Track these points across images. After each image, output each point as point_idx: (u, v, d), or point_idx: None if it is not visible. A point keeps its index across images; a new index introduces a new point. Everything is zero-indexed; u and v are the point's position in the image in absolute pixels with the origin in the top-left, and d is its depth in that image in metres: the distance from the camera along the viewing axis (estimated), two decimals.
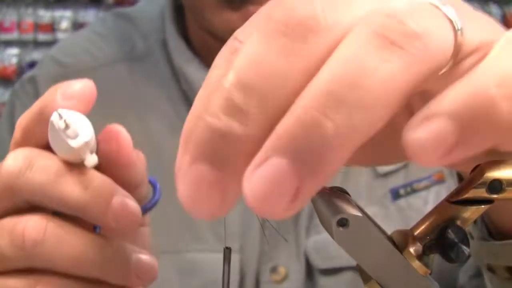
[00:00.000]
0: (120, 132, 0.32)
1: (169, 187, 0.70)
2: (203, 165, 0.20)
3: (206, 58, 0.67)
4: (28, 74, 0.72)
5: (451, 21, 0.22)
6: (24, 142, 0.33)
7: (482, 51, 0.23)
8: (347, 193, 0.28)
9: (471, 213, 0.25)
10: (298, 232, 0.64)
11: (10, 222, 0.31)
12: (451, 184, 0.67)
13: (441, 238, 0.25)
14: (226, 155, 0.20)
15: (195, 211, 0.20)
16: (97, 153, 0.31)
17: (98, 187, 0.30)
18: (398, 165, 0.66)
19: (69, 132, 0.29)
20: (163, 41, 0.69)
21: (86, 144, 0.30)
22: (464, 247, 0.24)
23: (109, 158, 0.32)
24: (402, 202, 0.66)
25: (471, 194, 0.25)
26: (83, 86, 0.31)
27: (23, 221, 0.31)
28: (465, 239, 0.24)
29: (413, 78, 0.20)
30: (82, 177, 0.30)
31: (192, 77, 0.65)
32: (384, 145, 0.24)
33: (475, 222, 0.38)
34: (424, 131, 0.19)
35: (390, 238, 0.26)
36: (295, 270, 0.64)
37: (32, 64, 2.66)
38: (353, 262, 0.60)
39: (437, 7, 0.22)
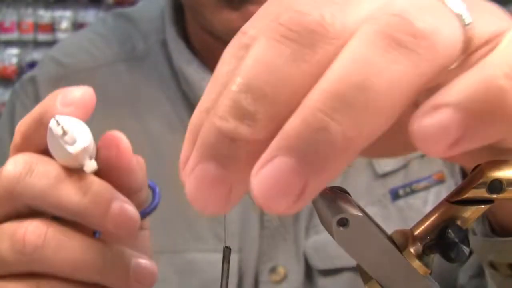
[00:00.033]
0: (120, 138, 0.32)
1: (169, 187, 0.70)
2: (210, 164, 0.21)
3: (206, 58, 0.67)
4: (28, 74, 0.72)
5: (459, 16, 0.21)
6: (24, 146, 0.33)
7: (493, 42, 0.22)
8: (347, 193, 0.28)
9: (471, 213, 0.25)
10: (298, 232, 0.64)
11: (11, 226, 0.32)
12: (451, 185, 0.67)
13: (441, 238, 0.25)
14: (233, 156, 0.20)
15: (201, 207, 0.21)
16: (97, 158, 0.31)
17: (97, 192, 0.31)
18: (398, 165, 0.66)
19: (66, 138, 0.29)
20: (163, 42, 0.69)
21: (84, 150, 0.30)
22: (464, 247, 0.24)
23: (109, 164, 0.32)
24: (401, 202, 0.66)
25: (471, 194, 0.25)
26: (82, 93, 0.31)
27: (23, 226, 0.31)
28: (465, 239, 0.24)
29: (420, 79, 0.20)
30: (81, 183, 0.31)
31: (191, 77, 0.65)
32: (390, 137, 0.24)
33: (486, 217, 0.38)
34: (431, 121, 0.19)
35: (390, 238, 0.26)
36: (294, 270, 0.64)
37: (32, 64, 2.66)
38: (352, 263, 0.60)
39: (443, 3, 0.21)
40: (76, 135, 0.30)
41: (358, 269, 0.27)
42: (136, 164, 0.33)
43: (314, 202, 0.28)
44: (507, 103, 0.19)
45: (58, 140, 0.29)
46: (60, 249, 0.31)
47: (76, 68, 0.69)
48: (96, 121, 0.32)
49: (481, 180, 0.25)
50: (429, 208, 0.27)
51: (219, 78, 0.22)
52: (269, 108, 0.20)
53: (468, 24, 0.21)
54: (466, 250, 0.24)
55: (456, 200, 0.25)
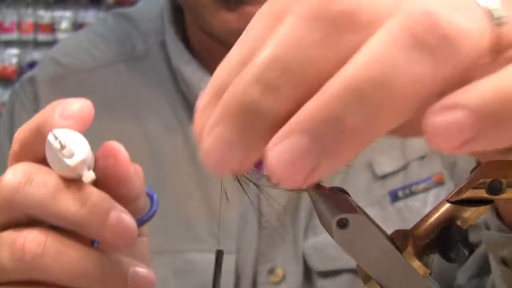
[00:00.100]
0: (118, 148, 0.32)
1: (167, 187, 0.70)
2: (229, 128, 0.22)
3: (205, 59, 0.67)
4: (28, 74, 0.72)
5: (489, 14, 0.21)
6: (22, 155, 0.33)
7: None
8: (347, 193, 0.28)
9: (471, 213, 0.25)
10: (296, 233, 0.64)
11: (10, 235, 0.32)
12: (450, 187, 0.67)
13: (441, 238, 0.25)
14: (252, 125, 0.21)
15: (214, 167, 0.22)
16: (95, 168, 0.32)
17: (95, 203, 0.31)
18: (397, 167, 0.66)
19: (64, 152, 0.30)
20: (162, 42, 0.69)
21: (82, 162, 0.30)
22: (464, 247, 0.24)
23: (107, 174, 0.32)
24: (401, 204, 0.66)
25: (471, 194, 0.25)
26: (81, 106, 0.32)
27: (23, 234, 0.32)
28: (465, 239, 0.24)
29: (440, 81, 0.20)
30: (80, 193, 0.31)
31: (190, 78, 0.65)
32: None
33: (497, 212, 0.37)
34: (444, 119, 0.19)
35: (390, 238, 0.26)
36: (293, 271, 0.64)
37: (32, 64, 2.66)
38: (351, 264, 0.59)
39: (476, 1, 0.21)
40: (74, 148, 0.30)
41: (358, 270, 0.27)
42: (134, 172, 0.33)
43: (314, 202, 0.28)
44: None
45: (57, 153, 0.30)
46: (59, 257, 0.31)
47: (76, 69, 0.69)
48: (95, 121, 0.32)
49: (481, 180, 0.25)
50: (428, 210, 0.27)
51: (247, 42, 0.23)
52: (293, 86, 0.21)
53: (497, 20, 0.21)
54: (466, 250, 0.24)
55: (456, 200, 0.25)
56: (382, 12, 0.21)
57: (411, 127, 0.22)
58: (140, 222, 0.34)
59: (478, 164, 0.26)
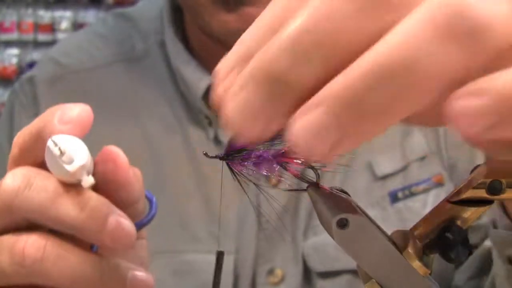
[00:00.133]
0: (117, 153, 0.32)
1: (167, 188, 0.70)
2: (254, 95, 0.22)
3: (204, 59, 0.67)
4: (27, 74, 0.72)
5: None
6: (22, 159, 0.33)
7: None
8: (347, 194, 0.28)
9: (471, 213, 0.25)
10: (296, 233, 0.64)
11: (10, 239, 0.32)
12: (450, 188, 0.67)
13: (441, 238, 0.24)
14: (278, 94, 0.21)
15: (234, 133, 0.22)
16: (94, 173, 0.32)
17: (94, 207, 0.31)
18: (397, 168, 0.66)
19: (64, 158, 0.30)
20: (162, 42, 0.69)
21: (82, 167, 0.31)
22: (464, 247, 0.24)
23: (106, 179, 0.32)
24: (400, 205, 0.66)
25: (471, 194, 0.25)
26: (80, 111, 0.32)
27: (23, 239, 0.32)
28: (465, 239, 0.24)
29: (467, 70, 0.20)
30: (79, 198, 0.31)
31: (189, 78, 0.65)
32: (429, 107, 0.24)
33: (504, 211, 0.37)
34: (469, 103, 0.19)
35: (390, 238, 0.26)
36: (292, 272, 0.64)
37: (32, 64, 2.66)
38: (351, 265, 0.59)
39: None
40: (73, 154, 0.30)
41: (358, 270, 0.27)
42: (133, 176, 0.33)
43: (314, 202, 0.28)
44: None
45: (56, 159, 0.30)
46: (58, 262, 0.31)
47: (75, 69, 0.69)
48: (94, 122, 0.32)
49: (481, 180, 0.25)
50: (428, 211, 0.26)
51: (277, 10, 0.23)
52: (323, 59, 0.21)
53: None
54: (466, 250, 0.24)
55: (456, 200, 0.25)
56: None
57: (428, 116, 0.22)
58: (139, 226, 0.34)
59: (478, 164, 0.26)
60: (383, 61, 0.20)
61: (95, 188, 0.32)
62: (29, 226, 0.32)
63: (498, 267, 0.40)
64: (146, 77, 0.68)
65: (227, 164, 0.31)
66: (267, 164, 0.30)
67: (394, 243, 0.25)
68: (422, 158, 0.67)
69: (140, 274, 0.34)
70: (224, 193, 0.49)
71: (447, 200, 0.26)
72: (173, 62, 0.67)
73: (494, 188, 0.25)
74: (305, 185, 0.30)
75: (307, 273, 0.64)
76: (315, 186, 0.29)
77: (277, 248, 0.64)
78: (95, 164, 0.32)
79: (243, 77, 0.22)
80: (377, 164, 0.66)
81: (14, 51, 2.84)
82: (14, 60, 2.83)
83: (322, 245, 0.64)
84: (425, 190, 0.67)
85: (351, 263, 0.25)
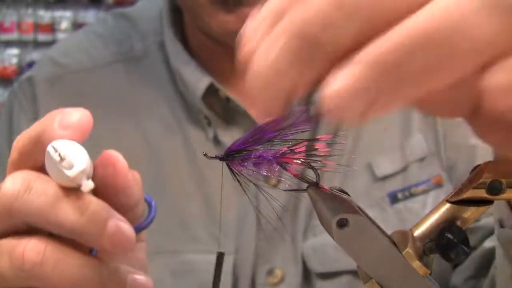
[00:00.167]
0: (117, 157, 0.32)
1: (166, 188, 0.70)
2: (285, 54, 0.22)
3: (203, 60, 0.66)
4: (26, 74, 0.71)
5: None
6: (21, 163, 0.33)
7: None
8: (347, 194, 0.28)
9: (471, 213, 0.25)
10: (296, 233, 0.64)
11: (10, 243, 0.32)
12: (449, 189, 0.67)
13: (441, 238, 0.24)
14: (309, 56, 0.22)
15: (261, 91, 0.22)
16: (94, 177, 0.32)
17: (94, 211, 0.31)
18: (397, 169, 0.66)
19: (64, 163, 0.30)
20: (161, 43, 0.69)
21: (82, 172, 0.31)
22: (464, 247, 0.24)
23: (105, 183, 0.32)
24: (400, 205, 0.66)
25: (471, 194, 0.25)
26: (80, 116, 0.32)
27: (22, 243, 0.32)
28: (465, 239, 0.24)
29: (506, 46, 0.20)
30: (79, 202, 0.31)
31: (189, 78, 0.65)
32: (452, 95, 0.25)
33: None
34: (506, 76, 0.20)
35: (390, 239, 0.26)
36: (292, 273, 0.64)
37: (32, 64, 2.65)
38: (351, 266, 0.59)
39: None
40: (73, 159, 0.30)
41: (358, 270, 0.27)
42: (132, 180, 0.33)
43: (314, 202, 0.28)
44: None
45: (56, 165, 0.30)
46: (58, 266, 0.31)
47: (74, 69, 0.69)
48: (94, 122, 0.32)
49: (481, 180, 0.25)
50: (427, 212, 0.26)
51: None
52: (358, 26, 0.21)
53: None
54: (466, 250, 0.24)
55: (456, 200, 0.25)
56: None
57: (443, 105, 0.22)
58: (138, 229, 0.34)
59: (478, 164, 0.26)
60: (429, 28, 0.20)
61: (94, 191, 0.32)
62: (29, 230, 0.32)
63: (503, 267, 0.40)
64: (145, 77, 0.68)
65: (227, 164, 0.31)
66: (267, 164, 0.30)
67: (394, 243, 0.25)
68: (422, 159, 0.67)
69: (140, 277, 0.34)
70: (224, 194, 0.50)
71: (447, 200, 0.26)
72: (173, 62, 0.66)
73: (494, 188, 0.25)
74: (305, 185, 0.30)
75: (307, 274, 0.64)
76: (315, 186, 0.29)
77: (276, 248, 0.64)
78: (94, 168, 0.32)
79: (274, 36, 0.22)
80: (377, 165, 0.66)
81: (14, 51, 2.84)
82: (14, 60, 2.83)
83: (322, 246, 0.63)
84: (425, 191, 0.67)
85: (351, 264, 0.25)
